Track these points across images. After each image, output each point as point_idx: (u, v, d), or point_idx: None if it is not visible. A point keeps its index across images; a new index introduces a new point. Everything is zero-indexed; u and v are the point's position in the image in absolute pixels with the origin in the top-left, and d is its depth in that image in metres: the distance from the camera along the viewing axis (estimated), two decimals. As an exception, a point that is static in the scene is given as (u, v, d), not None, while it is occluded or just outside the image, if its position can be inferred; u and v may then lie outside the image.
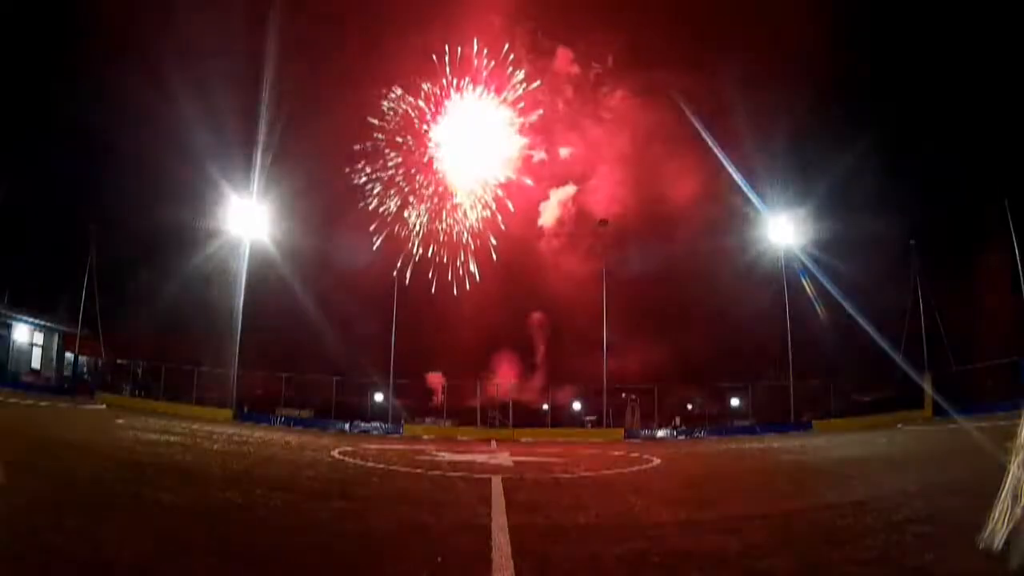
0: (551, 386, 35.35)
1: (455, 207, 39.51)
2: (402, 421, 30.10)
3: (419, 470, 9.81)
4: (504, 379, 36.53)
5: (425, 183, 39.35)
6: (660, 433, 28.70)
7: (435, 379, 36.95)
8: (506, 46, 37.86)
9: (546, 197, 39.77)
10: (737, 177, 30.77)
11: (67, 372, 33.16)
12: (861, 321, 25.05)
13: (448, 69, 38.02)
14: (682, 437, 27.82)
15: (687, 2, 32.89)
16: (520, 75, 38.35)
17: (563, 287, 37.57)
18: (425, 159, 39.20)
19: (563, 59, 38.50)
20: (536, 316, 39.42)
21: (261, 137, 30.56)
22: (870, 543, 4.10)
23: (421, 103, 38.58)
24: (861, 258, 28.46)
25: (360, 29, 36.50)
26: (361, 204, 38.59)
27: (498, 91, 38.48)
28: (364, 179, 38.72)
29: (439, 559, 3.83)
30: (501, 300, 37.76)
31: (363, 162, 38.49)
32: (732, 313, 31.78)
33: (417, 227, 39.23)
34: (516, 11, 37.60)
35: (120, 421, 16.01)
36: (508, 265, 38.72)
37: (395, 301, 33.13)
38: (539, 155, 39.45)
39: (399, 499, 6.48)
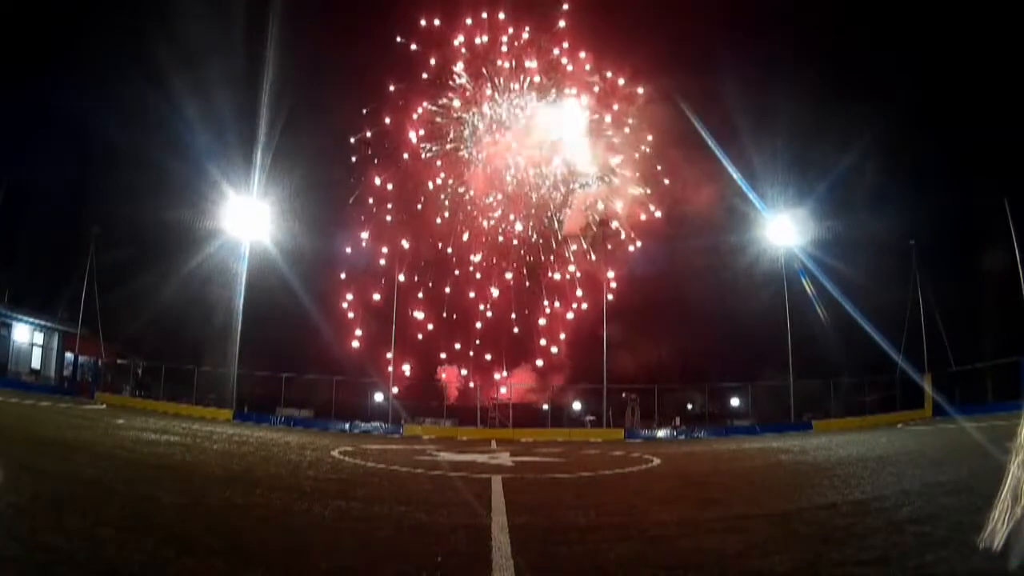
0: (569, 385, 35.12)
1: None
2: (402, 421, 30.10)
3: (419, 470, 9.81)
4: (520, 379, 36.25)
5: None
6: (660, 433, 28.66)
7: (449, 374, 36.54)
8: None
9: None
10: (737, 176, 30.80)
11: (67, 372, 33.18)
12: (861, 321, 25.07)
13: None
14: (682, 437, 27.80)
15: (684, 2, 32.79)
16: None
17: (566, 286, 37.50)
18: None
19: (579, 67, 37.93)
20: (557, 310, 38.39)
21: (261, 136, 30.55)
22: (870, 543, 4.10)
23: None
24: (861, 258, 28.50)
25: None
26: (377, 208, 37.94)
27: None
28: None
29: (439, 559, 3.83)
30: (517, 301, 37.34)
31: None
32: (732, 313, 31.78)
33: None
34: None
35: (120, 421, 16.01)
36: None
37: (395, 300, 33.14)
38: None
39: (399, 499, 6.48)
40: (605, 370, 30.95)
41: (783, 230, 31.08)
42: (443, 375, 36.50)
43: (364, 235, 36.71)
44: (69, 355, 33.04)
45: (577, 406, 34.77)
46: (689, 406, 34.07)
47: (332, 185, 37.30)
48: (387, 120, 36.87)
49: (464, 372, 36.24)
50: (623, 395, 32.42)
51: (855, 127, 29.19)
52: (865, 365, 28.54)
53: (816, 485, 7.28)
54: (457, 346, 36.87)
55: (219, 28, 30.25)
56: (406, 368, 34.28)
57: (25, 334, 31.16)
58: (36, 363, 31.65)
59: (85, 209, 31.79)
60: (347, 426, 28.78)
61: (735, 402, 33.78)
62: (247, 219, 31.52)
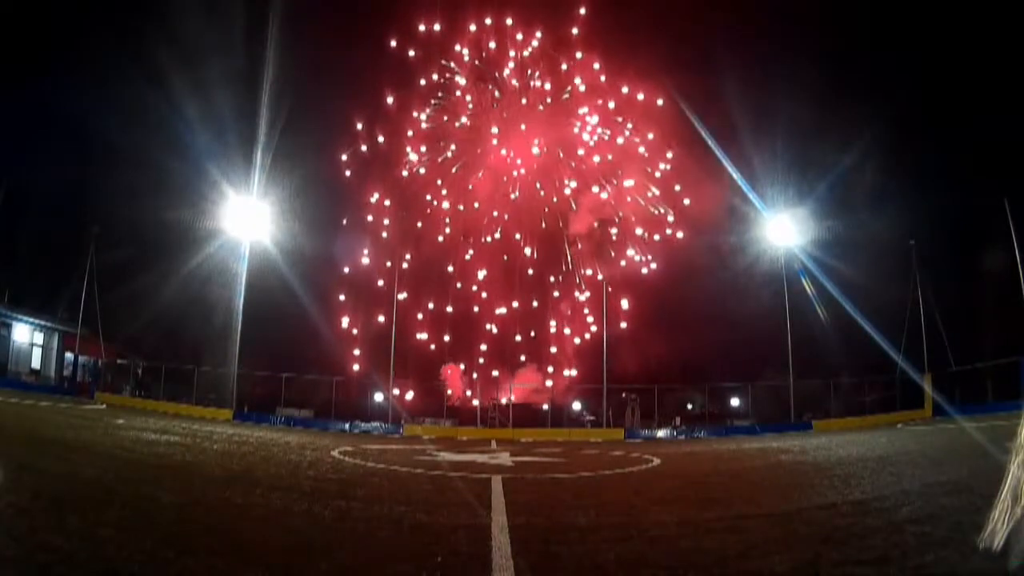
0: (569, 385, 34.99)
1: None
2: (402, 421, 30.10)
3: (419, 470, 9.81)
4: (523, 379, 36.12)
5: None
6: (660, 433, 28.66)
7: (452, 372, 36.37)
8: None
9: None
10: (737, 177, 30.81)
11: (67, 372, 33.17)
12: (861, 321, 25.07)
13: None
14: (682, 437, 27.80)
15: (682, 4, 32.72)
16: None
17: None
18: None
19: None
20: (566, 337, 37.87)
21: (261, 136, 30.53)
22: (870, 543, 4.10)
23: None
24: (861, 258, 28.52)
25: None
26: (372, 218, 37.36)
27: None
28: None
29: (439, 559, 3.83)
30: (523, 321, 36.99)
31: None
32: (732, 313, 31.80)
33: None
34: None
35: (120, 421, 16.01)
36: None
37: (395, 299, 33.13)
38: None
39: (399, 499, 6.48)
40: (605, 370, 30.95)
41: (783, 230, 31.09)
42: (446, 378, 36.30)
43: (364, 259, 36.36)
44: (69, 355, 33.04)
45: (577, 406, 34.75)
46: (689, 406, 34.06)
47: (332, 185, 37.28)
48: (381, 139, 36.53)
49: (469, 393, 35.95)
50: (623, 395, 32.40)
51: (855, 127, 29.24)
52: (865, 365, 28.57)
53: (816, 485, 7.28)
54: (462, 366, 36.64)
55: (219, 28, 30.32)
56: (409, 395, 33.92)
57: (25, 334, 31.16)
58: (36, 363, 31.65)
59: (85, 209, 31.87)
60: (347, 426, 28.78)
61: (735, 402, 33.78)
62: (247, 219, 31.50)
